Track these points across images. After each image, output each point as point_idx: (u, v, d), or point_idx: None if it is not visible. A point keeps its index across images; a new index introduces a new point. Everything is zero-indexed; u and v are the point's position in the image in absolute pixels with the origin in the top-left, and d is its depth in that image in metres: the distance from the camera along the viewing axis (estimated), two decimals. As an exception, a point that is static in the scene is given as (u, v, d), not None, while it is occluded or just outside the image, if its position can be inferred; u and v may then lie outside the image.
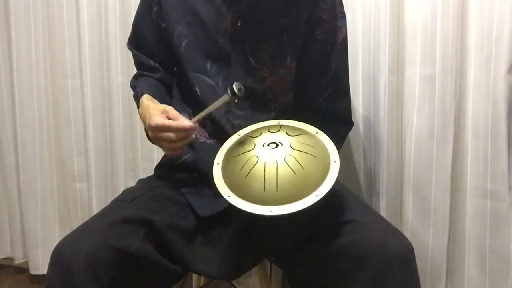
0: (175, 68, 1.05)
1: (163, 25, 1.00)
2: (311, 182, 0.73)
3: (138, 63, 1.08)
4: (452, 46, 1.09)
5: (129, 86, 1.09)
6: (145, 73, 1.06)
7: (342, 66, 1.01)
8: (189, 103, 1.00)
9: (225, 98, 0.85)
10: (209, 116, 0.97)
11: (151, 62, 1.05)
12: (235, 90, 0.83)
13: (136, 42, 1.07)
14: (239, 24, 0.95)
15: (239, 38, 0.95)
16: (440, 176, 1.14)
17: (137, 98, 1.01)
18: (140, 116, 0.96)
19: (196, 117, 0.87)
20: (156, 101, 0.95)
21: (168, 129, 0.83)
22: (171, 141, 0.84)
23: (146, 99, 0.95)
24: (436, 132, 1.13)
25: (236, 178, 0.76)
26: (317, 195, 0.72)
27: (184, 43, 0.97)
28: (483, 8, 1.05)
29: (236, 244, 0.88)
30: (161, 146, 0.88)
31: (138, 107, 0.99)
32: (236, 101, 0.86)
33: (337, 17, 0.99)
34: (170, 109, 0.87)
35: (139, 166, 1.49)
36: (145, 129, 0.96)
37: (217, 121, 0.96)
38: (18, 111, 1.56)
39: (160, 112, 0.86)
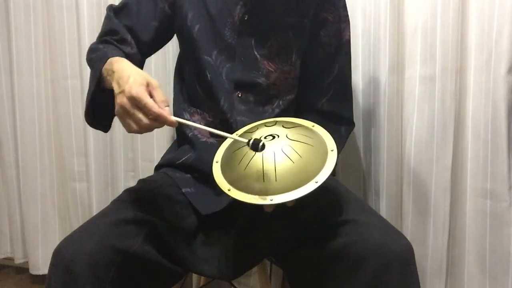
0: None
1: (167, 8, 0.99)
2: (310, 170, 0.73)
3: (110, 31, 0.96)
4: (452, 46, 1.09)
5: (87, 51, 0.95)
6: (114, 42, 0.94)
7: (345, 68, 1.04)
8: (200, 87, 1.00)
9: (238, 140, 0.76)
10: (212, 112, 0.97)
11: (128, 36, 0.96)
12: (259, 146, 0.74)
13: (121, 11, 0.99)
14: (246, 18, 0.96)
15: (245, 32, 0.96)
16: (440, 176, 1.14)
17: (103, 57, 0.85)
18: (112, 68, 0.80)
19: (182, 120, 0.77)
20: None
21: (147, 110, 0.72)
22: (139, 125, 0.73)
23: (125, 59, 0.83)
24: (436, 132, 1.13)
25: (235, 172, 0.76)
26: (316, 182, 0.71)
27: (196, 27, 0.97)
28: (483, 8, 1.05)
29: (236, 244, 0.88)
30: (122, 119, 0.75)
31: (96, 66, 0.85)
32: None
33: (341, 20, 1.01)
34: (156, 85, 0.76)
35: (139, 166, 1.49)
36: (107, 86, 0.82)
37: (221, 117, 0.96)
38: (18, 111, 1.56)
39: (145, 82, 0.75)
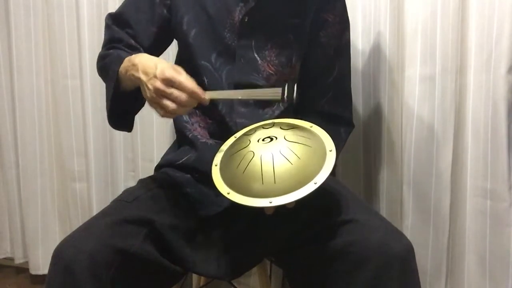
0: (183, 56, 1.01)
1: (166, 11, 0.98)
2: (309, 171, 0.73)
3: (113, 39, 0.98)
4: (452, 46, 1.09)
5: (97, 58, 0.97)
6: (123, 48, 0.96)
7: (344, 69, 1.04)
8: None
9: (272, 93, 0.78)
10: (211, 114, 0.97)
11: (132, 41, 0.97)
12: (291, 93, 0.77)
13: (120, 19, 0.99)
14: (246, 20, 0.95)
15: (245, 34, 0.96)
16: (440, 176, 1.14)
17: (117, 59, 0.87)
18: (134, 62, 0.82)
19: (214, 94, 0.81)
20: None
21: (182, 88, 0.76)
22: (178, 102, 0.76)
23: (143, 53, 0.86)
24: (436, 132, 1.13)
25: (234, 175, 0.77)
26: (315, 183, 0.72)
27: (193, 32, 0.97)
28: (483, 8, 1.05)
29: (236, 244, 0.88)
30: (157, 103, 0.78)
31: (112, 69, 0.87)
32: (284, 100, 0.78)
33: (341, 21, 1.01)
34: (182, 70, 0.79)
35: (139, 166, 1.49)
36: (125, 87, 0.85)
37: (221, 119, 0.96)
38: (18, 111, 1.57)
39: (171, 66, 0.78)
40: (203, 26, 0.97)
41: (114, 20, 1.00)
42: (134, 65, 0.82)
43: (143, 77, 0.79)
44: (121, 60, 0.86)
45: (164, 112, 0.78)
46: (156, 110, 0.79)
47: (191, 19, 0.97)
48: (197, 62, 0.96)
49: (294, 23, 0.97)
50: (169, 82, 0.76)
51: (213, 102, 0.95)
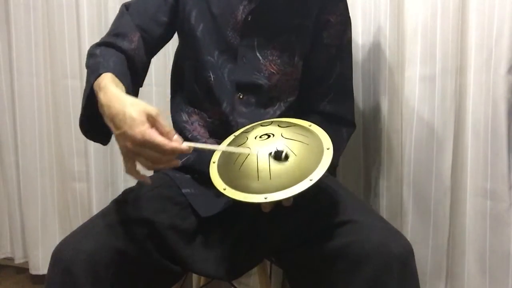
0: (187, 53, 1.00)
1: (174, 2, 0.99)
2: (305, 168, 0.73)
3: (115, 27, 0.94)
4: (452, 46, 1.09)
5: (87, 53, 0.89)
6: (115, 43, 0.89)
7: (346, 69, 1.04)
8: (201, 88, 0.99)
9: (244, 151, 0.76)
10: (211, 112, 0.97)
11: (133, 33, 0.93)
12: (281, 156, 0.74)
13: (130, 7, 0.97)
14: (249, 19, 0.95)
15: (247, 33, 0.96)
16: (440, 176, 1.14)
17: (95, 69, 0.80)
18: (100, 101, 0.74)
19: (195, 144, 0.75)
20: (123, 93, 0.76)
21: (159, 149, 0.68)
22: (156, 161, 0.70)
23: (112, 85, 0.75)
24: (436, 132, 1.13)
25: (231, 171, 0.77)
26: (311, 180, 0.72)
27: (200, 26, 0.97)
28: (483, 8, 1.05)
29: (236, 245, 0.88)
30: (131, 160, 0.72)
31: (89, 79, 0.80)
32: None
33: (343, 22, 1.01)
34: (157, 114, 0.69)
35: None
36: (104, 119, 0.75)
37: (222, 118, 0.96)
38: (18, 111, 1.56)
39: (145, 117, 0.68)
40: (207, 23, 0.97)
41: (127, 8, 0.97)
42: (101, 104, 0.73)
43: (111, 126, 0.72)
44: (97, 74, 0.79)
45: (132, 166, 0.72)
46: (125, 162, 0.73)
47: (198, 14, 0.97)
48: (204, 58, 0.96)
49: (296, 23, 0.97)
50: (143, 145, 0.67)
51: (214, 103, 0.96)
